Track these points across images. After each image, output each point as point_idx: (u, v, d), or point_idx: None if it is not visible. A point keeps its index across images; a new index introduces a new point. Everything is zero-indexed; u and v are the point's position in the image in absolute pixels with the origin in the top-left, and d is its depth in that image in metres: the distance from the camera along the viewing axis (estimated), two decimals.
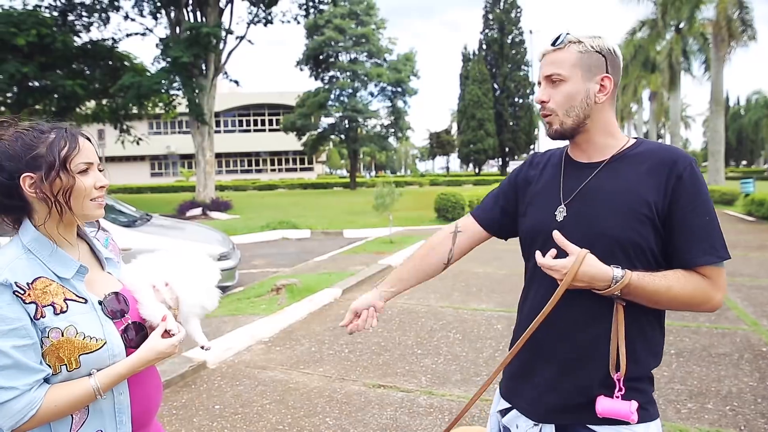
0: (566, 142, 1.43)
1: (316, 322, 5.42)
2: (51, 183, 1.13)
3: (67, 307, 1.15)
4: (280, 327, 5.18)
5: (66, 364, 1.13)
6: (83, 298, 1.19)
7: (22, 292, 1.10)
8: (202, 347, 1.40)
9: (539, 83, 1.37)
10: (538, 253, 1.30)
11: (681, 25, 26.35)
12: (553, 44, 1.32)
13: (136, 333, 1.26)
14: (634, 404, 1.23)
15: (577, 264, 1.21)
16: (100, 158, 1.29)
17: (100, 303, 1.21)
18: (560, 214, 1.34)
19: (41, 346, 1.11)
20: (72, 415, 1.16)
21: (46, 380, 1.13)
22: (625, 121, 49.39)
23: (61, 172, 1.14)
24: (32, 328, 1.10)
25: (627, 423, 1.25)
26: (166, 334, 1.27)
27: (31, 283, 1.12)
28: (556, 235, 1.26)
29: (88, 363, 1.15)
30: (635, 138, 1.38)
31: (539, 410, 1.34)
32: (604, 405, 1.24)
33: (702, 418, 3.20)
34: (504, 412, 1.46)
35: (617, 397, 1.24)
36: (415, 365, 4.19)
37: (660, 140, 59.28)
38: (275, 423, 3.29)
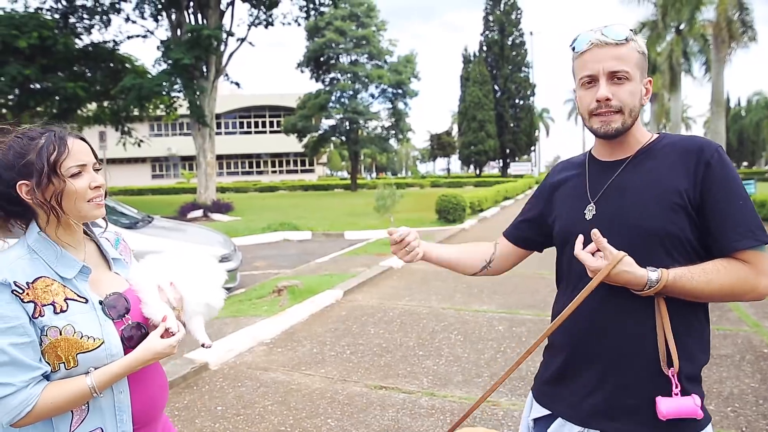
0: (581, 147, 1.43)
1: (318, 323, 5.43)
2: (43, 189, 1.16)
3: (68, 306, 1.17)
4: (282, 328, 5.19)
5: (64, 362, 1.15)
6: (84, 298, 1.21)
7: (21, 291, 1.12)
8: (203, 345, 1.40)
9: (588, 78, 1.28)
10: (578, 243, 1.26)
11: (681, 27, 26.39)
12: (613, 37, 1.25)
13: (137, 333, 1.27)
14: (697, 398, 1.19)
15: (609, 267, 1.18)
16: (100, 160, 1.30)
17: (100, 303, 1.23)
18: (589, 212, 1.33)
19: (40, 344, 1.13)
20: (72, 412, 1.18)
21: (46, 377, 1.15)
22: None
23: (52, 177, 1.15)
24: (30, 326, 1.12)
25: (686, 430, 1.21)
26: (167, 333, 1.27)
27: (32, 282, 1.14)
28: (595, 233, 1.21)
29: (86, 362, 1.17)
30: (658, 133, 1.37)
31: (582, 414, 1.29)
32: (668, 405, 1.17)
33: None
34: (542, 421, 1.40)
35: (676, 395, 1.18)
36: (417, 366, 4.19)
37: None
38: (277, 424, 3.29)
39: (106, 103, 21.16)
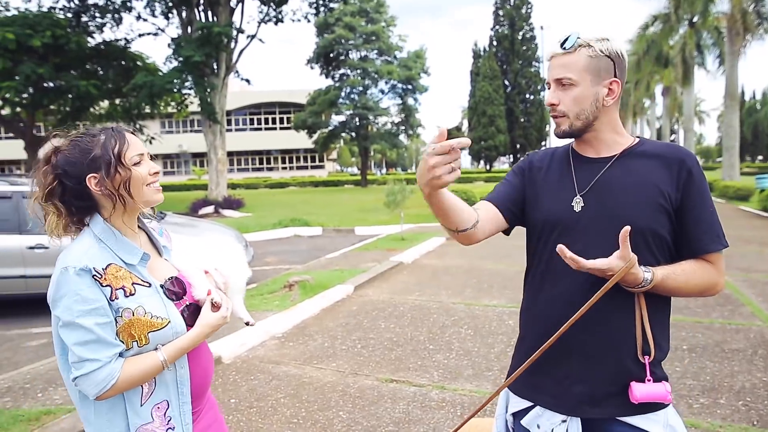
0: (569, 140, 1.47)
1: (329, 317, 5.48)
2: (112, 178, 1.27)
3: (135, 290, 1.29)
4: (293, 323, 5.24)
5: (137, 341, 1.27)
6: (147, 282, 1.33)
7: (99, 276, 1.24)
8: (247, 323, 1.56)
9: (548, 84, 1.39)
10: (594, 262, 1.22)
11: (695, 19, 26.02)
12: (563, 47, 1.34)
13: (193, 312, 1.41)
14: (668, 385, 1.30)
15: (627, 268, 1.21)
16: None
17: (161, 286, 1.36)
18: (577, 204, 1.37)
19: (116, 324, 1.26)
20: (142, 387, 1.31)
21: (121, 355, 1.27)
22: (637, 116, 48.92)
23: (119, 167, 1.27)
24: (108, 308, 1.24)
25: (656, 409, 1.31)
26: (214, 307, 1.39)
27: (105, 268, 1.26)
28: (627, 230, 1.19)
29: (155, 339, 1.29)
30: (638, 137, 1.43)
31: (567, 403, 1.34)
32: (641, 390, 1.27)
33: (714, 413, 3.20)
34: (521, 414, 1.43)
35: (649, 380, 1.29)
36: (427, 360, 4.22)
37: (674, 135, 58.64)
38: (289, 416, 3.34)
39: (117, 101, 21.37)
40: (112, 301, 1.24)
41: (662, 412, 1.32)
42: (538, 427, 1.38)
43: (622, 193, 1.33)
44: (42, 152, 1.32)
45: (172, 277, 1.40)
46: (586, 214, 1.35)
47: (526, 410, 1.42)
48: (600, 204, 1.35)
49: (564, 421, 1.34)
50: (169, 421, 1.33)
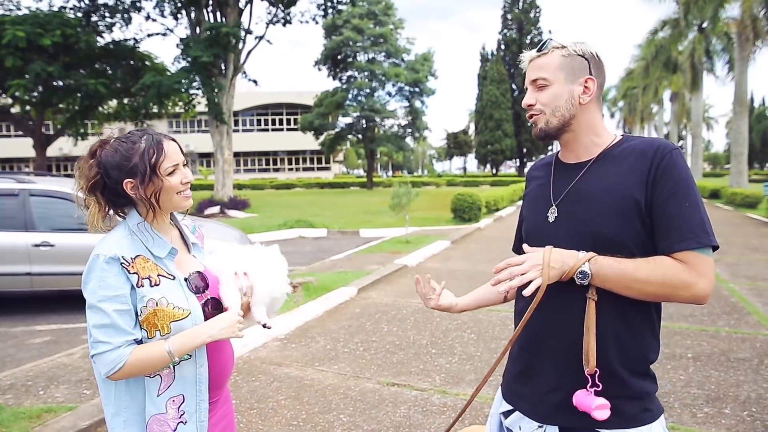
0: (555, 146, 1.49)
1: (332, 320, 5.47)
2: (145, 186, 1.37)
3: (160, 281, 1.38)
4: (296, 324, 5.24)
5: (159, 330, 1.35)
6: (172, 275, 1.41)
7: (128, 264, 1.34)
8: (264, 325, 1.63)
9: (526, 90, 1.41)
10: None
11: (704, 25, 25.94)
12: (538, 50, 1.37)
13: (213, 307, 1.49)
14: (600, 401, 1.20)
15: (547, 253, 1.25)
16: (187, 157, 1.50)
17: (185, 280, 1.44)
18: (552, 215, 1.37)
19: (140, 313, 1.34)
20: (161, 378, 1.38)
21: (139, 342, 1.34)
22: (645, 122, 48.72)
23: (153, 177, 1.37)
24: (130, 297, 1.33)
25: (639, 424, 1.25)
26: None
27: (134, 258, 1.36)
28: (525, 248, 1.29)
29: (176, 329, 1.37)
30: (621, 135, 1.39)
31: (542, 411, 1.33)
32: (577, 397, 1.24)
33: (719, 423, 3.16)
34: (506, 414, 1.45)
35: (590, 392, 1.22)
36: (429, 364, 4.20)
37: (681, 141, 58.29)
38: (290, 418, 3.33)
39: (126, 100, 21.45)
40: (139, 287, 1.33)
41: (646, 428, 1.26)
42: (520, 429, 1.39)
43: (591, 202, 1.29)
44: (89, 146, 1.41)
45: (196, 272, 1.49)
46: (560, 224, 1.34)
47: (510, 411, 1.44)
48: (570, 214, 1.33)
49: (540, 427, 1.33)
50: (182, 415, 1.40)
